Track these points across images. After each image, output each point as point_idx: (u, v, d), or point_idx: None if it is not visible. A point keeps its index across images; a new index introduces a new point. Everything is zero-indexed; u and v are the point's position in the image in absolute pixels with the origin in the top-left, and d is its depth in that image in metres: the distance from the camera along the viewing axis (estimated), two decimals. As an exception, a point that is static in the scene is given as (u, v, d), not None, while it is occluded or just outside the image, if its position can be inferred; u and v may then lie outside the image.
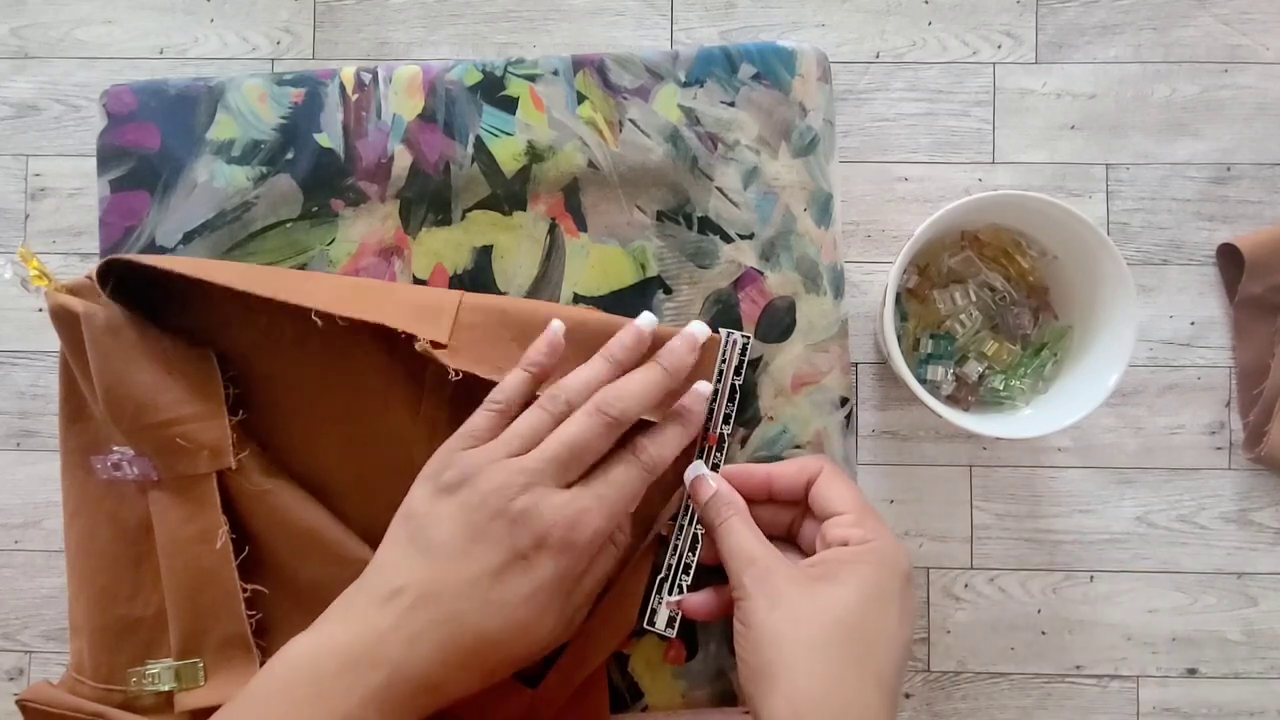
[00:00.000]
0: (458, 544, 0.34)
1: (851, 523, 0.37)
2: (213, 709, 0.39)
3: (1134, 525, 0.52)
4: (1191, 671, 0.51)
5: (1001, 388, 0.47)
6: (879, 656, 0.34)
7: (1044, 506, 0.52)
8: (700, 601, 0.40)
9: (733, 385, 0.41)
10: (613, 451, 0.37)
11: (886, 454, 0.52)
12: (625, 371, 0.38)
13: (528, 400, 0.38)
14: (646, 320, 0.39)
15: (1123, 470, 0.52)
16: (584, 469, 0.36)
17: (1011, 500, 0.52)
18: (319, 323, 0.38)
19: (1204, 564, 0.52)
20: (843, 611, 0.34)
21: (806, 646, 0.33)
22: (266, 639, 0.40)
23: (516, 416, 0.37)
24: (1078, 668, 0.52)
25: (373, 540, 0.39)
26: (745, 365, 0.41)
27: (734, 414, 0.41)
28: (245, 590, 0.39)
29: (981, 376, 0.47)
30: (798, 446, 0.43)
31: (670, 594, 0.40)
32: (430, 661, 0.33)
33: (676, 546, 0.40)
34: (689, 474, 0.40)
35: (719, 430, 0.41)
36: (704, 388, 0.40)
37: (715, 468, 0.41)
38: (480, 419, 0.37)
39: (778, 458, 0.43)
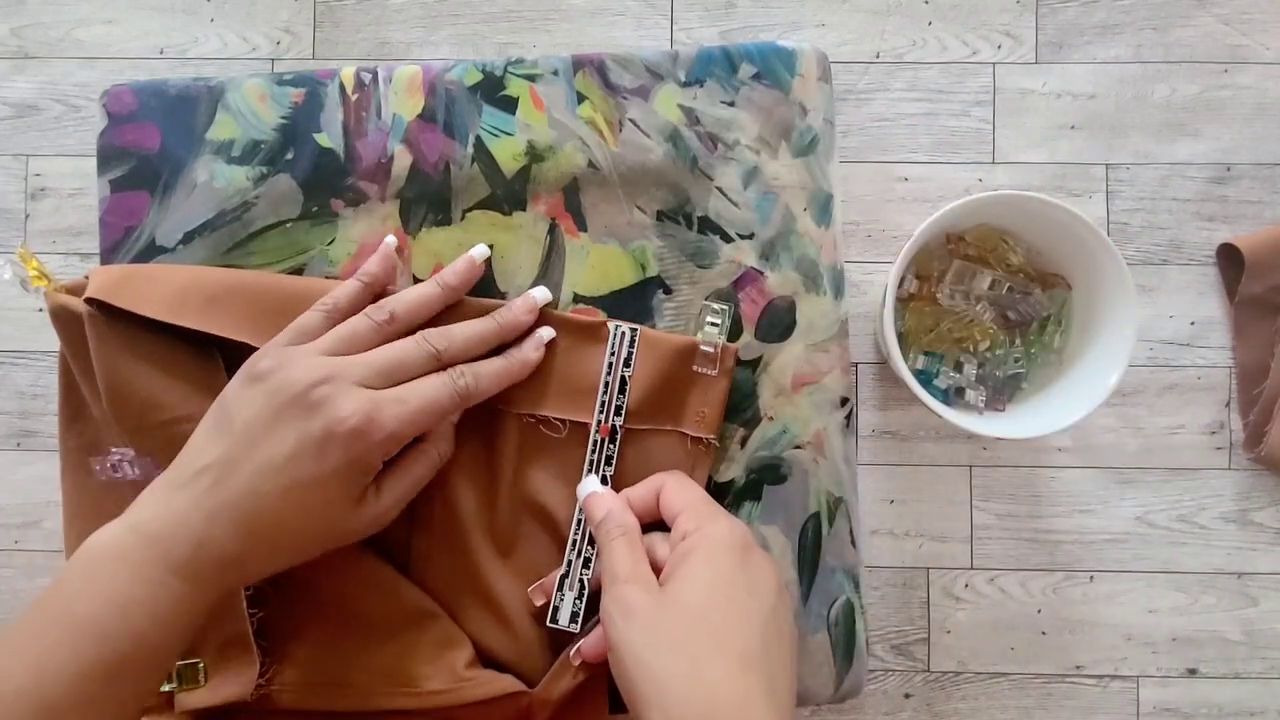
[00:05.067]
0: (256, 427, 0.35)
1: (687, 519, 0.37)
2: (213, 709, 0.39)
3: (1134, 525, 0.52)
4: (1191, 671, 0.51)
5: (1023, 370, 0.48)
6: (736, 635, 0.34)
7: (1044, 506, 0.52)
8: (594, 642, 0.39)
9: (622, 377, 0.41)
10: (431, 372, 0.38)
11: (886, 454, 0.52)
12: (455, 296, 0.41)
13: (358, 309, 0.39)
14: (479, 251, 0.42)
15: (1123, 470, 0.52)
16: (393, 383, 0.37)
17: (1011, 500, 0.52)
18: None
19: (1204, 564, 0.52)
20: (686, 607, 0.34)
21: (662, 652, 0.33)
22: (267, 639, 0.40)
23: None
24: (1078, 668, 0.52)
25: (374, 538, 0.39)
26: (634, 357, 0.41)
27: (625, 405, 0.41)
28: (247, 589, 0.39)
29: (982, 366, 0.47)
30: (798, 447, 0.43)
31: (570, 590, 0.40)
32: (229, 537, 0.34)
33: (575, 542, 0.40)
34: (581, 490, 0.40)
35: (611, 422, 0.41)
36: (545, 333, 0.41)
37: (610, 460, 0.41)
38: (309, 318, 0.39)
39: (778, 457, 0.43)
